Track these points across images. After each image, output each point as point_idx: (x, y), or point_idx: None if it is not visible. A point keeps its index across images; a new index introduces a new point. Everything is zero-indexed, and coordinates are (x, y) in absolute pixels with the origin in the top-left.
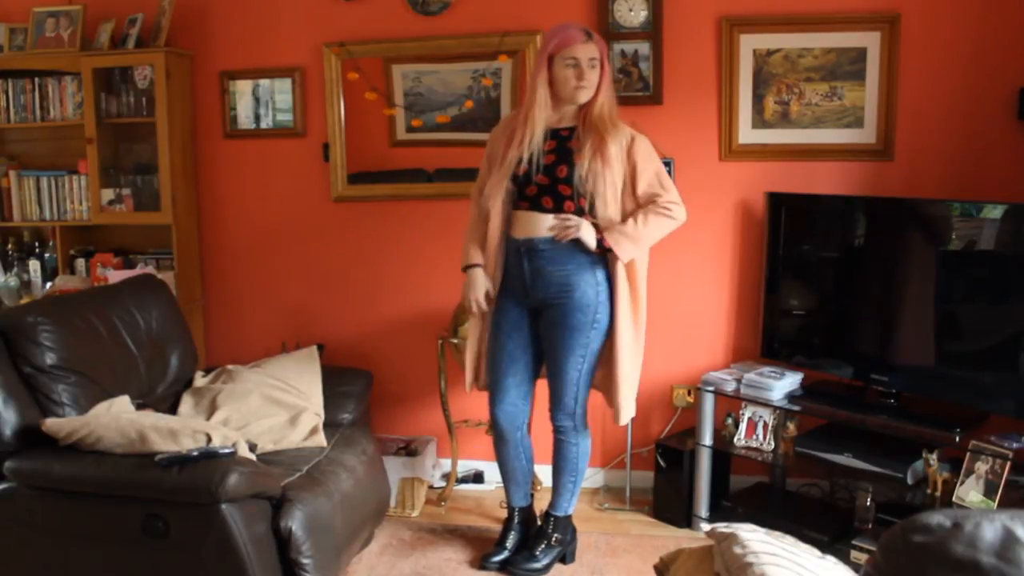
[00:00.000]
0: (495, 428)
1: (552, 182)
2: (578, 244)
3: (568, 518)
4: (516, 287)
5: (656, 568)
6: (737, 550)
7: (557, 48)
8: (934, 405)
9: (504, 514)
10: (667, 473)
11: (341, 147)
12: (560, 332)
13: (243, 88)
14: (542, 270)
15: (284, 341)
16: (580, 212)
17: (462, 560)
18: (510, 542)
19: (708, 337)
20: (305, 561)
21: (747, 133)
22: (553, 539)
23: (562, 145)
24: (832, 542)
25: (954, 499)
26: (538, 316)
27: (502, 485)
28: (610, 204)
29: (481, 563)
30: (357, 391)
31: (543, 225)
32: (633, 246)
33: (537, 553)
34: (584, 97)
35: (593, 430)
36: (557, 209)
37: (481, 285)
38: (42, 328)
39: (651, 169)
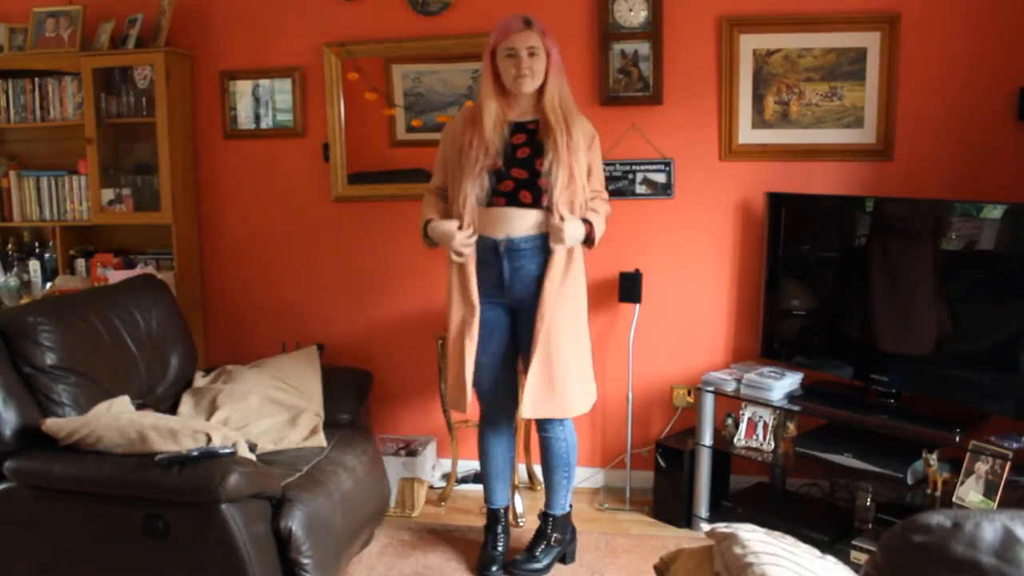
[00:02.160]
0: (487, 418)
1: (532, 176)
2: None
3: (566, 516)
4: (492, 287)
5: (656, 568)
6: (737, 550)
7: (497, 41)
8: (934, 405)
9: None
10: (667, 473)
11: (341, 147)
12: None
13: (243, 88)
14: (522, 268)
15: (284, 341)
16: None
17: (462, 560)
18: (502, 546)
19: (708, 337)
20: (305, 561)
21: (747, 133)
22: (552, 539)
23: (533, 138)
24: (832, 542)
25: (954, 499)
26: (514, 316)
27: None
28: (579, 192)
29: (481, 572)
30: (357, 391)
31: (523, 222)
32: (599, 235)
33: (537, 554)
34: (527, 87)
35: (593, 430)
36: (536, 204)
37: (452, 227)
38: (42, 328)
39: (600, 167)
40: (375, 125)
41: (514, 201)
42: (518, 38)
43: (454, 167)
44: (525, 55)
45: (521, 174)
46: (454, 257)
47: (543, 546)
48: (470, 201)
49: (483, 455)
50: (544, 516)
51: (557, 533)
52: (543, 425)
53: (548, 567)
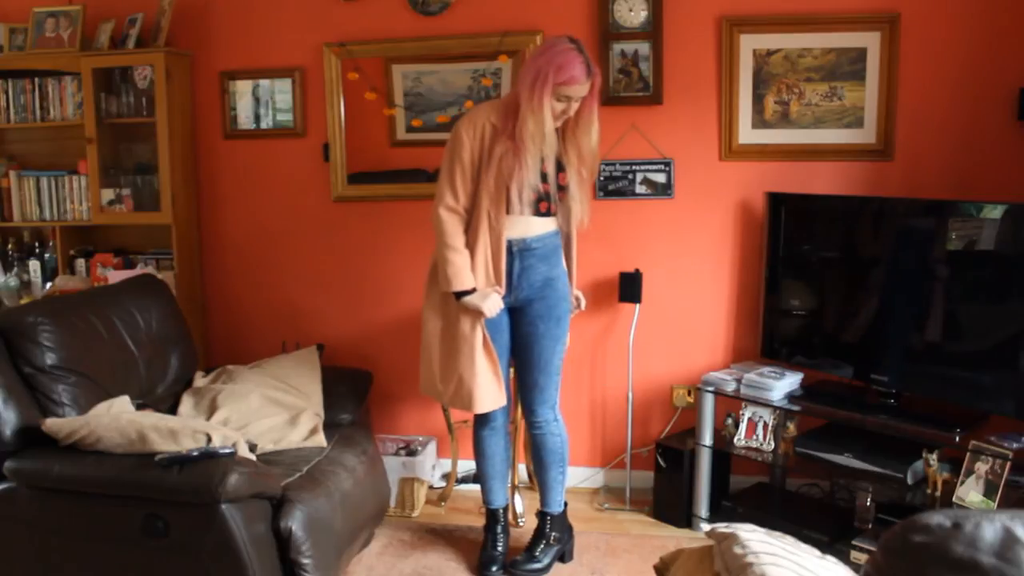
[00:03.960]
0: (483, 417)
1: (556, 189)
2: (559, 239)
3: (563, 515)
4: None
5: (656, 568)
6: (737, 550)
7: (559, 80)
8: (934, 405)
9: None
10: (667, 473)
11: (341, 147)
12: (548, 323)
13: (243, 88)
14: (532, 267)
15: (284, 341)
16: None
17: (462, 560)
18: (501, 546)
19: (708, 337)
20: (305, 561)
21: (747, 133)
22: (552, 538)
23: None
24: (832, 542)
25: (954, 499)
26: (515, 314)
27: (481, 487)
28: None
29: (481, 573)
30: (357, 391)
31: (535, 226)
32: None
33: (537, 553)
34: (557, 124)
35: (593, 430)
36: (549, 213)
37: (496, 304)
38: (42, 328)
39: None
40: (375, 125)
41: (534, 211)
42: (580, 89)
43: (489, 172)
44: (574, 104)
45: (544, 187)
46: (485, 310)
47: (542, 545)
48: (518, 208)
49: (480, 456)
50: (542, 515)
51: (556, 532)
52: (536, 422)
53: (549, 566)
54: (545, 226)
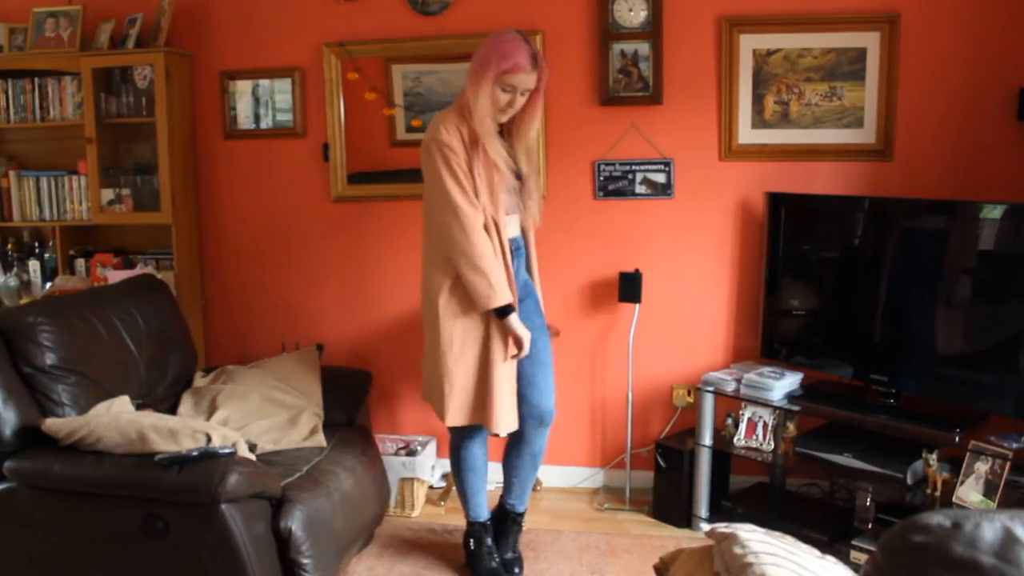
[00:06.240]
0: (472, 429)
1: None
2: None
3: None
4: None
5: (656, 568)
6: (737, 550)
7: (503, 70)
8: (934, 405)
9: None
10: (667, 473)
11: (341, 147)
12: (538, 320)
13: (243, 88)
14: (518, 267)
15: (284, 341)
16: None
17: (461, 560)
18: (498, 557)
19: (708, 337)
20: (305, 561)
21: (747, 133)
22: (522, 528)
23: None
24: (832, 542)
25: (954, 499)
26: None
27: (465, 501)
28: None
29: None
30: (357, 391)
31: (512, 225)
32: None
33: (520, 549)
34: (503, 119)
35: (593, 430)
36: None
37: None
38: (42, 328)
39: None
40: (375, 125)
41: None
42: (526, 79)
43: (479, 175)
44: (519, 96)
45: (519, 183)
46: (527, 346)
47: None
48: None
49: (467, 471)
50: (517, 515)
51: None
52: (532, 438)
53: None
54: (516, 225)
